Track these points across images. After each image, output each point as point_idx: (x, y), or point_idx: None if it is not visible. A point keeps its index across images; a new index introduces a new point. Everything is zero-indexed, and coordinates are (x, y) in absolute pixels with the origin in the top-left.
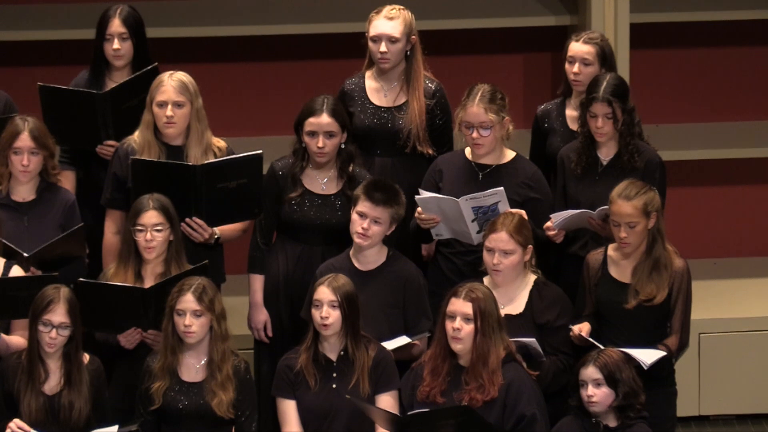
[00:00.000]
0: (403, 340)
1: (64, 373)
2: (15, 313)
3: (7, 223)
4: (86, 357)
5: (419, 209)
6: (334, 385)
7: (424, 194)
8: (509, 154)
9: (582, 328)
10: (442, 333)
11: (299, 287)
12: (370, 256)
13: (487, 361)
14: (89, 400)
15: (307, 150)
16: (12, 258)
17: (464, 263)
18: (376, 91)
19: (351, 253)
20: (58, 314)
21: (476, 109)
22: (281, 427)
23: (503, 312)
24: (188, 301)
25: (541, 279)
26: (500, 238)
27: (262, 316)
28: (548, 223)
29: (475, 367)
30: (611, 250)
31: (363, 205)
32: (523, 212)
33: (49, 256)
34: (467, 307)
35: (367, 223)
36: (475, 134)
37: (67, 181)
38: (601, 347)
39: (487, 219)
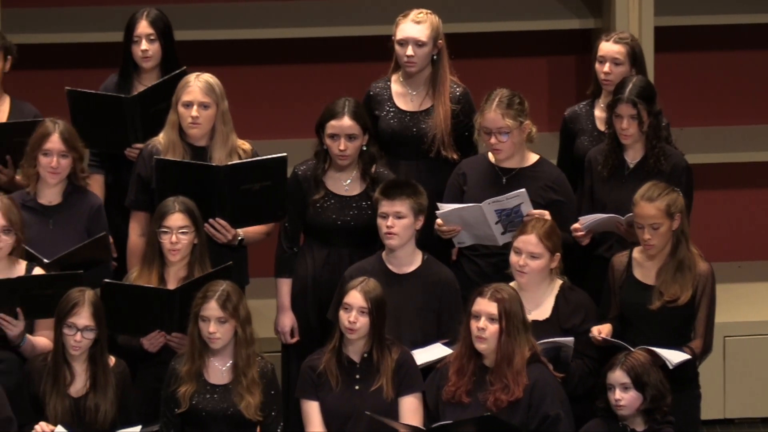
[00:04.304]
0: (437, 347)
1: (90, 376)
2: (41, 313)
3: (31, 226)
4: (112, 360)
5: (438, 221)
6: (356, 387)
7: (445, 207)
8: (532, 158)
9: (602, 330)
10: (467, 333)
11: (327, 290)
12: (404, 258)
13: (512, 362)
14: (115, 402)
15: (329, 152)
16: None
17: (488, 265)
18: (402, 95)
19: (384, 255)
20: (83, 317)
21: (493, 114)
22: (305, 428)
23: (530, 318)
24: (212, 309)
25: (567, 284)
26: (529, 241)
27: (288, 320)
28: (576, 225)
29: (500, 367)
30: (636, 252)
31: (382, 205)
32: (547, 213)
33: (71, 262)
34: (492, 307)
35: (390, 220)
36: (493, 140)
37: (96, 184)
38: (626, 345)
39: (511, 221)
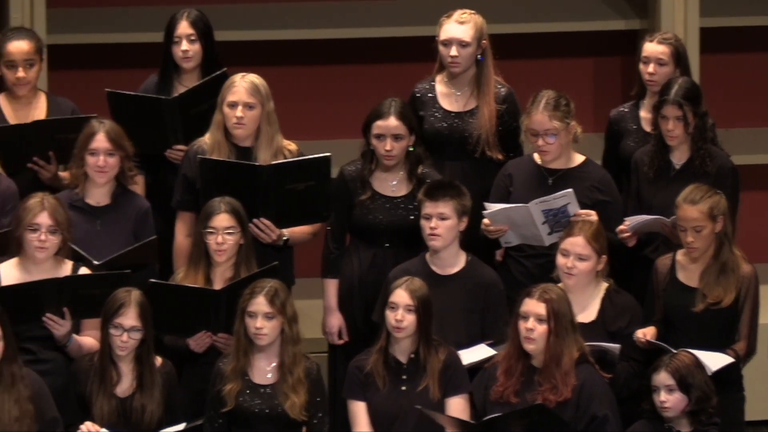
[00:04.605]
0: (481, 348)
1: (136, 376)
2: (87, 313)
3: (79, 226)
4: (159, 360)
5: (485, 221)
6: (403, 387)
7: (491, 207)
8: (578, 158)
9: (647, 333)
10: (515, 333)
11: (373, 290)
12: (448, 260)
13: (560, 362)
14: (161, 402)
15: (375, 153)
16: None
17: (535, 266)
18: (446, 95)
19: (427, 256)
20: (129, 318)
21: (540, 116)
22: (352, 429)
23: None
24: (260, 304)
25: (613, 287)
26: (576, 242)
27: (336, 320)
28: (622, 226)
29: (548, 367)
30: (680, 255)
31: (426, 206)
32: (594, 213)
33: (119, 265)
34: (540, 308)
35: (434, 221)
36: (540, 141)
37: (137, 185)
38: (670, 348)
39: (558, 221)
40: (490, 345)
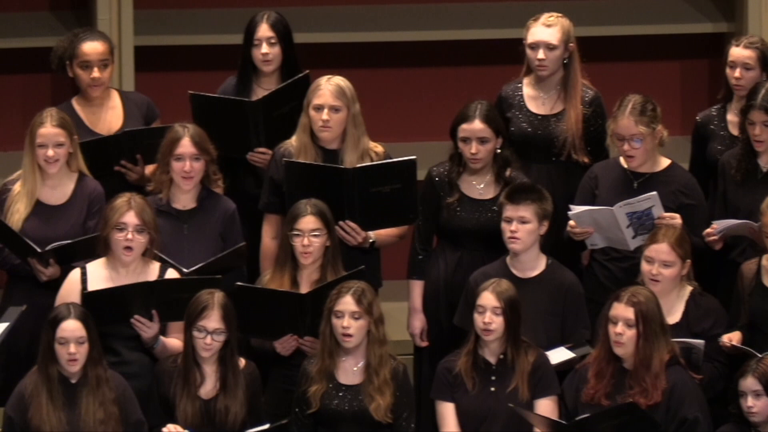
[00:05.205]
0: (560, 351)
1: (220, 378)
2: (176, 316)
3: (166, 231)
4: (242, 362)
5: (571, 222)
6: (492, 389)
7: (576, 209)
8: (664, 162)
9: (732, 338)
10: (605, 337)
11: (459, 292)
12: (528, 263)
13: (650, 365)
14: (245, 404)
15: (462, 156)
16: None
17: (619, 269)
18: (533, 98)
19: (508, 259)
20: (213, 320)
21: (627, 122)
22: (439, 429)
23: None
24: (347, 303)
25: (698, 290)
26: (661, 250)
27: (419, 322)
28: (709, 230)
29: (638, 371)
30: (765, 260)
31: (507, 210)
32: (678, 217)
33: (209, 271)
34: (629, 312)
35: (515, 225)
36: (626, 146)
37: (219, 188)
38: (756, 353)
39: (642, 224)
40: (569, 348)
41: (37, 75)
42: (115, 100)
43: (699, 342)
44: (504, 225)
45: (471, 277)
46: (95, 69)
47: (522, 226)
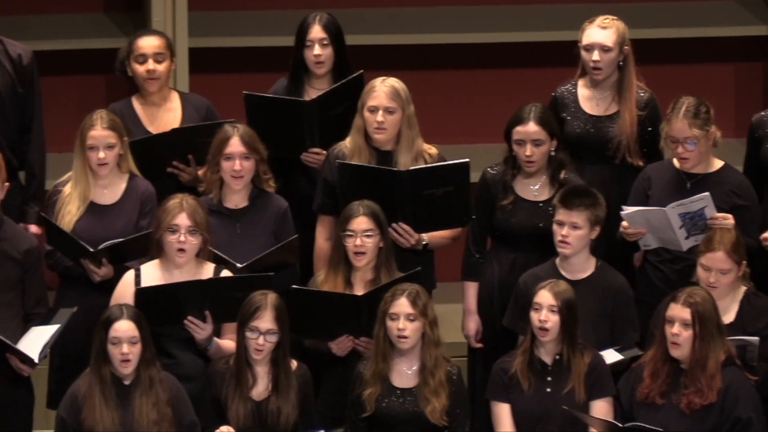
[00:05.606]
0: (610, 354)
1: (272, 379)
2: (230, 316)
3: (219, 231)
4: (294, 363)
5: (624, 223)
6: (548, 389)
7: (629, 209)
8: (717, 163)
9: None
10: (662, 337)
11: None
12: (578, 265)
13: (706, 366)
14: (297, 406)
15: (517, 158)
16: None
17: (672, 271)
18: (588, 99)
19: (558, 261)
20: (266, 321)
21: (680, 124)
22: (495, 430)
23: None
24: (402, 305)
25: (752, 290)
26: (717, 258)
27: (473, 323)
28: (766, 234)
29: (694, 371)
30: None
31: (559, 213)
32: (731, 217)
33: (262, 266)
34: (686, 313)
35: (566, 230)
36: (680, 149)
37: (271, 188)
38: None
39: (695, 224)
40: (618, 350)
41: (91, 76)
42: (175, 102)
43: (754, 339)
44: (556, 228)
45: (521, 279)
46: (150, 61)
47: (573, 231)
